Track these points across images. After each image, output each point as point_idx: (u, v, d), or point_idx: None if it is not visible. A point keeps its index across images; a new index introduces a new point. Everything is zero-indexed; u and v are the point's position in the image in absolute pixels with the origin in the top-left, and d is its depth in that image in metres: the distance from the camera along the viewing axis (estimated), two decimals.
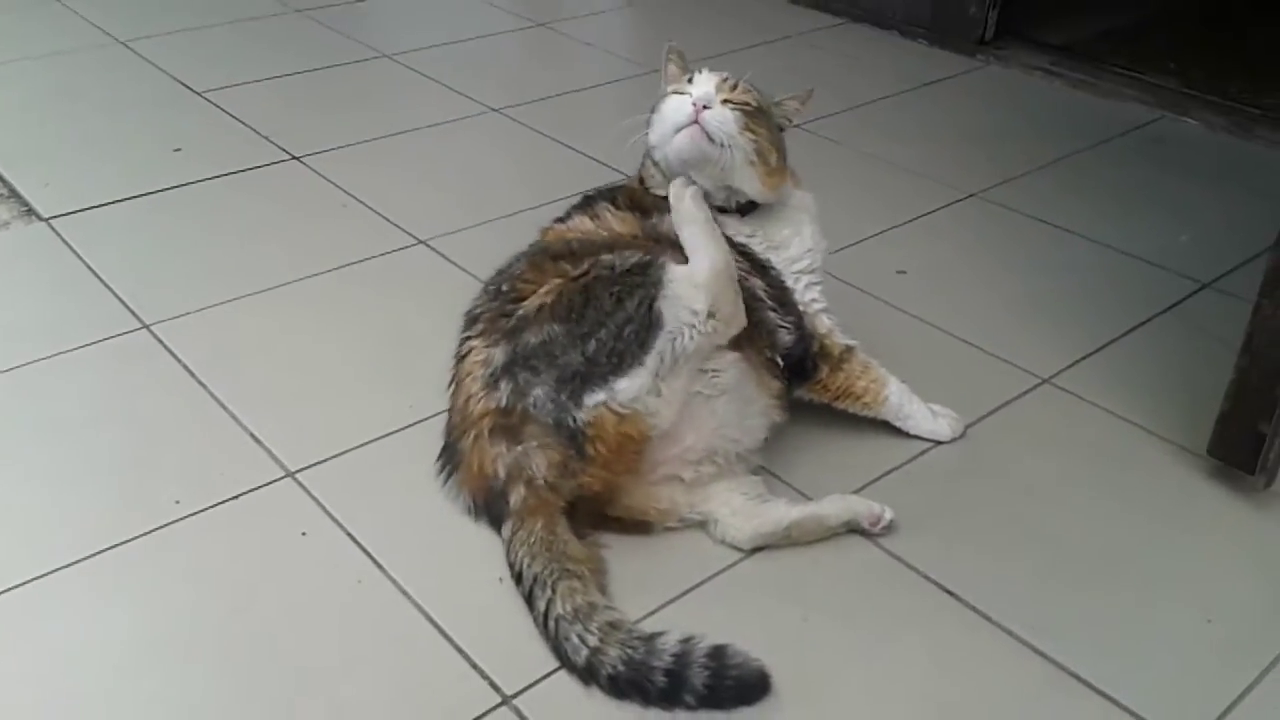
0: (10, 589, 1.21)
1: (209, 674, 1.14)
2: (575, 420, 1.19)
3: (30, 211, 1.98)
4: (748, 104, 1.33)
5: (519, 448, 1.22)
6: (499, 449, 1.23)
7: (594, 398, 1.19)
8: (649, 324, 1.20)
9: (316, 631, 1.18)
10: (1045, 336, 1.69)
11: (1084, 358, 1.64)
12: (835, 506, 1.30)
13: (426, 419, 1.46)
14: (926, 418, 1.46)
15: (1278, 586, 1.27)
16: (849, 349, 1.43)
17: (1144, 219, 2.04)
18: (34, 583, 1.22)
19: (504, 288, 1.28)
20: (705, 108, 1.30)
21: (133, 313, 1.70)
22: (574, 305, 1.22)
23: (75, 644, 1.17)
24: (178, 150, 2.21)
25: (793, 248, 1.40)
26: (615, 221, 1.35)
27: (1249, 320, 1.33)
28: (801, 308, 1.38)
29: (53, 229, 1.92)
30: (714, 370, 1.27)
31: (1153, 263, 1.90)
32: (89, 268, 1.81)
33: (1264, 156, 2.30)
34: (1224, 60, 2.66)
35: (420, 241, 1.91)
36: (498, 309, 1.27)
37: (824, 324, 1.41)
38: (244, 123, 2.33)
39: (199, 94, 2.46)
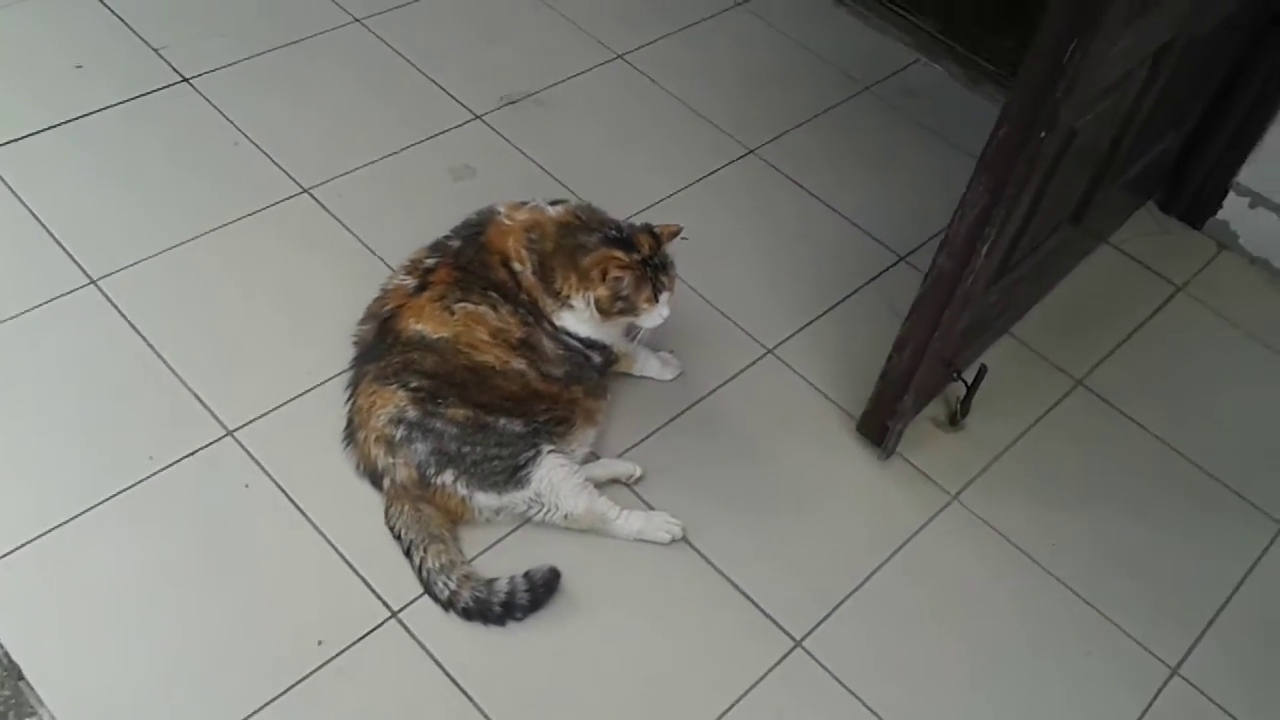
0: (19, 546, 1.75)
1: (200, 604, 1.73)
2: (431, 478, 1.81)
3: None
4: None
5: (390, 459, 1.82)
6: (379, 450, 1.83)
7: (446, 476, 1.80)
8: (515, 477, 1.81)
9: (263, 565, 1.79)
10: (777, 306, 2.31)
11: (801, 329, 2.29)
12: (602, 469, 1.97)
13: (325, 382, 2.01)
14: (656, 368, 2.14)
15: (880, 524, 2.01)
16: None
17: (875, 185, 2.62)
18: (41, 538, 1.75)
19: (440, 397, 1.80)
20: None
21: (80, 266, 2.13)
22: (472, 425, 1.80)
23: (94, 584, 1.72)
24: (79, 68, 2.52)
25: None
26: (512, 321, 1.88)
27: (899, 331, 1.96)
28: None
29: None
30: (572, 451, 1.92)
31: (869, 233, 2.51)
32: (32, 213, 2.20)
33: (986, 114, 2.86)
34: (981, 6, 3.08)
35: (303, 191, 2.36)
36: (430, 391, 1.80)
37: (620, 347, 2.05)
38: (131, 27, 2.61)
39: None
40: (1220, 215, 2.60)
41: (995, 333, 2.29)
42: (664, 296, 1.90)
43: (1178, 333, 2.43)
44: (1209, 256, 2.61)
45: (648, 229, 1.92)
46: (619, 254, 1.85)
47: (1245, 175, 2.52)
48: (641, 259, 1.86)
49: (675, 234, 1.94)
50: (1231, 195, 2.56)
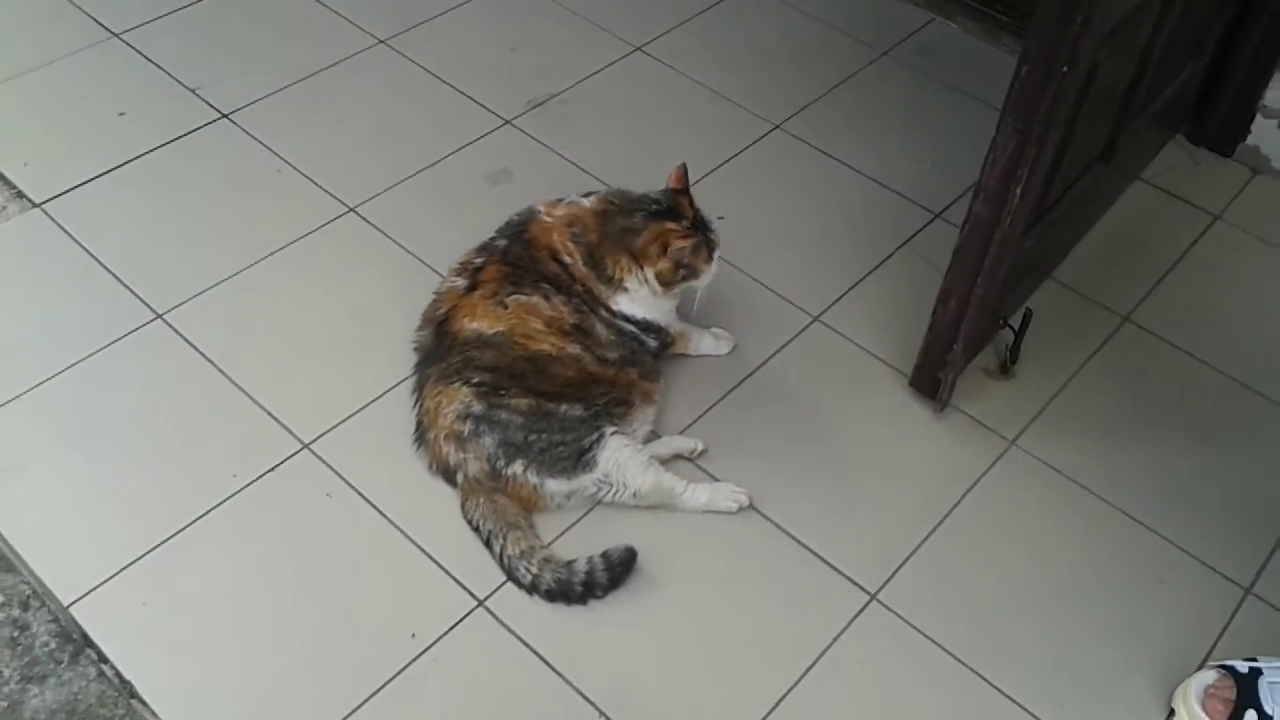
0: (121, 570, 1.84)
1: (296, 610, 1.81)
2: (501, 469, 1.87)
3: (21, 195, 2.42)
4: None
5: (461, 455, 1.89)
6: (449, 448, 1.90)
7: (516, 467, 1.86)
8: (582, 460, 1.87)
9: (351, 567, 1.87)
10: (819, 274, 2.36)
11: (845, 294, 2.34)
12: (664, 447, 2.03)
13: (391, 389, 2.09)
14: (711, 344, 2.20)
15: (941, 475, 2.04)
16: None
17: (900, 146, 2.66)
18: (140, 561, 1.84)
19: (502, 389, 1.86)
20: None
21: (145, 303, 2.22)
22: (535, 413, 1.86)
23: (194, 600, 1.82)
24: (122, 114, 2.61)
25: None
26: (566, 310, 1.94)
27: (942, 282, 1.98)
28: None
29: (48, 215, 2.38)
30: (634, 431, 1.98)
31: (900, 194, 2.55)
32: (94, 257, 2.29)
33: (1005, 66, 2.88)
34: None
35: (349, 210, 2.44)
36: (492, 384, 1.87)
37: (675, 328, 2.11)
38: (167, 72, 2.72)
39: (118, 36, 2.79)
40: (1250, 140, 2.60)
41: (1038, 277, 2.32)
42: (715, 252, 1.98)
43: (1219, 260, 2.44)
44: (1242, 182, 2.61)
45: (675, 192, 1.99)
46: (673, 225, 1.91)
47: (1271, 97, 2.52)
48: (691, 223, 1.93)
49: (684, 173, 2.02)
50: (1259, 119, 2.56)
